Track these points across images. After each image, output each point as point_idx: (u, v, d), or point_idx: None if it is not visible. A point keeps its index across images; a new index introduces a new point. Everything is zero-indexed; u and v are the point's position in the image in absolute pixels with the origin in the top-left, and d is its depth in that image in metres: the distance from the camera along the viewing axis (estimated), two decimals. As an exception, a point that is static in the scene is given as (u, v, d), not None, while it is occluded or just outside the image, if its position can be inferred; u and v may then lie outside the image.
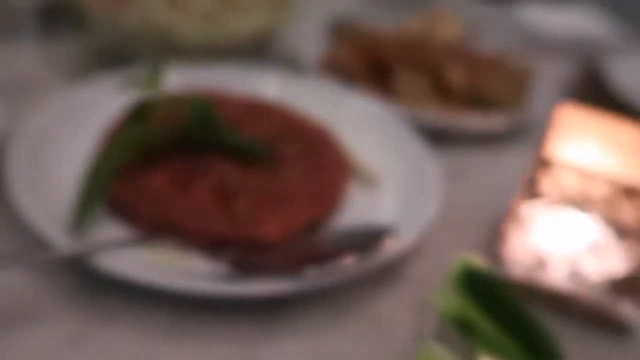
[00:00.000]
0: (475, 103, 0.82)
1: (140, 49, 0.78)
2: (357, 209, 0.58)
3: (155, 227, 0.50)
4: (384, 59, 0.83)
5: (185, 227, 0.49)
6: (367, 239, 0.47)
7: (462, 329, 0.39)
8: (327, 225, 0.55)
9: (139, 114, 0.55)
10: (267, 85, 0.75)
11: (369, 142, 0.67)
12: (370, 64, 0.84)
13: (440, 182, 0.58)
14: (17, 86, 0.75)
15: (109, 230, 0.51)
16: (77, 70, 0.80)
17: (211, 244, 0.49)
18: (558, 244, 0.50)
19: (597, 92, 0.91)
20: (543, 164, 0.48)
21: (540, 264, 0.51)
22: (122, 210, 0.52)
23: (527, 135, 0.83)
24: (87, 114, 0.63)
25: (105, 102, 0.64)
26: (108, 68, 0.82)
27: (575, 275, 0.50)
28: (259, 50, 0.85)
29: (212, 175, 0.54)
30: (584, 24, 1.11)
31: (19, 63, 0.80)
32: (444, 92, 0.81)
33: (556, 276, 0.51)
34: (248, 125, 0.64)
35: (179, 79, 0.72)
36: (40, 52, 0.84)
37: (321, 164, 0.59)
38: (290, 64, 0.90)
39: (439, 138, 0.78)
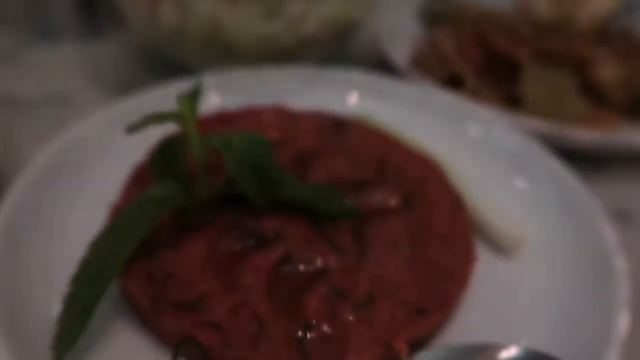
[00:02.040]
0: (637, 110, 0.58)
1: (186, 52, 0.61)
2: (486, 303, 0.38)
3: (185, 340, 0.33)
4: (504, 52, 0.61)
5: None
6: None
7: None
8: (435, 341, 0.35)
9: (163, 164, 0.37)
10: (345, 97, 0.56)
11: (499, 183, 0.46)
12: (483, 59, 0.62)
13: (622, 258, 0.36)
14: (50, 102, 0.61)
15: (117, 337, 0.34)
16: (119, 82, 0.65)
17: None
18: None
19: None
20: None
21: None
22: (139, 310, 0.35)
23: None
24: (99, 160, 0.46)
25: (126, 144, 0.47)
26: (150, 77, 0.66)
27: None
28: (332, 48, 0.65)
29: (271, 254, 0.36)
30: None
31: (56, 73, 0.66)
32: (591, 96, 0.58)
33: None
34: (321, 161, 0.44)
35: (225, 93, 0.54)
36: (80, 55, 0.70)
37: (433, 229, 0.39)
38: (375, 65, 0.70)
39: (585, 162, 0.55)
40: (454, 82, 0.62)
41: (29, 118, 0.59)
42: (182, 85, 0.51)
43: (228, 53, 0.59)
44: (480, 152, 0.49)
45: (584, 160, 0.53)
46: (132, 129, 0.35)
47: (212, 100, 0.53)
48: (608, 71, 0.58)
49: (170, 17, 0.57)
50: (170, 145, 0.39)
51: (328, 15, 0.59)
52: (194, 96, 0.38)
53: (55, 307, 0.32)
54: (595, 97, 0.58)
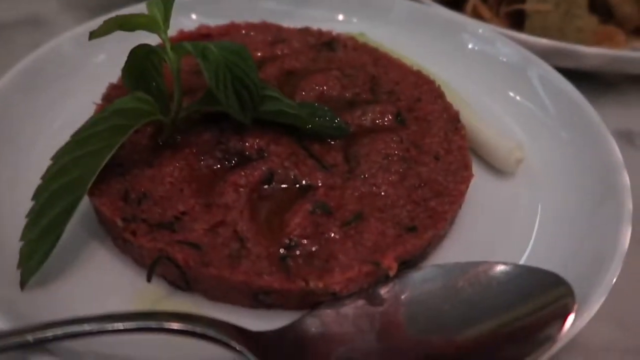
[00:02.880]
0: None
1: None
2: (483, 222, 0.36)
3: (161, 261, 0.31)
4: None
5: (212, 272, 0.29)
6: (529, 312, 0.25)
7: None
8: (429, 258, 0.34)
9: (137, 76, 0.34)
10: (337, 14, 0.52)
11: (498, 100, 0.43)
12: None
13: (626, 181, 0.34)
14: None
15: (92, 260, 0.32)
16: (96, 6, 0.60)
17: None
18: None
19: None
20: None
21: None
22: (113, 231, 0.33)
23: None
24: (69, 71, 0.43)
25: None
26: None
27: None
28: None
29: (253, 173, 0.33)
30: None
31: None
32: (599, 12, 0.54)
33: None
34: (310, 79, 0.41)
35: (207, 14, 0.50)
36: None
37: (427, 148, 0.36)
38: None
39: (588, 83, 0.51)
40: (454, 0, 0.58)
41: (4, 42, 0.55)
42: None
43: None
44: (478, 67, 0.46)
45: (586, 82, 0.50)
46: (95, 34, 0.32)
47: (194, 17, 0.50)
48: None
49: None
50: (144, 55, 0.35)
51: None
52: (166, 5, 0.35)
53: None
54: (605, 13, 0.54)
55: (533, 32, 0.51)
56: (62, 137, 0.32)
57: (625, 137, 0.47)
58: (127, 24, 0.32)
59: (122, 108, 0.32)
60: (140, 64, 0.35)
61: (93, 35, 0.31)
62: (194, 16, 0.50)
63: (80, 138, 0.31)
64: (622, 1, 0.54)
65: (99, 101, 0.39)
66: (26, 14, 0.59)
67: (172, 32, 0.35)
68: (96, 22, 0.44)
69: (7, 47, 0.55)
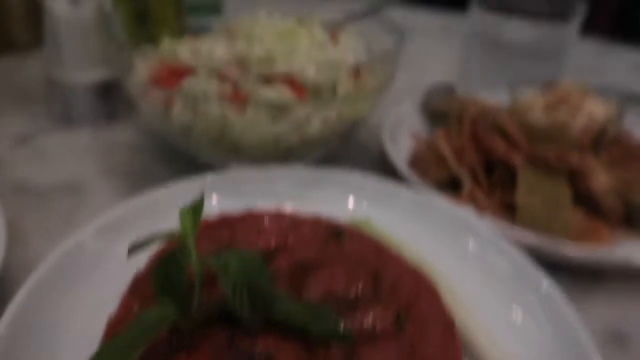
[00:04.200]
0: (633, 221, 0.59)
1: (195, 147, 0.64)
2: None
3: None
4: (500, 157, 0.63)
5: None
6: None
7: None
8: None
9: (163, 280, 0.39)
10: (345, 200, 0.58)
11: (492, 305, 0.47)
12: (480, 162, 0.64)
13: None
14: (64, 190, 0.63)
15: None
16: (130, 172, 0.67)
17: None
18: None
19: None
20: None
21: None
22: None
23: None
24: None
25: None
26: (160, 166, 0.68)
27: None
28: (335, 144, 0.68)
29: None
30: None
31: (69, 160, 0.69)
32: (586, 205, 0.59)
33: None
34: (318, 273, 0.45)
35: (228, 194, 0.56)
36: (95, 141, 0.73)
37: (425, 356, 0.39)
38: (376, 159, 0.72)
39: (580, 275, 0.55)
40: (452, 182, 0.64)
41: (38, 207, 0.60)
42: (183, 189, 0.54)
43: (235, 150, 0.62)
44: (475, 269, 0.49)
45: (579, 274, 0.54)
46: (133, 250, 0.36)
47: (215, 202, 0.55)
48: (602, 182, 0.59)
49: (181, 117, 0.59)
50: (171, 260, 0.40)
51: (331, 117, 0.62)
52: (195, 212, 0.40)
53: None
54: (590, 206, 0.59)
55: (524, 223, 0.56)
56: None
57: (614, 339, 0.48)
58: (163, 238, 0.37)
59: (148, 317, 0.36)
60: (167, 268, 0.40)
61: (132, 250, 0.36)
62: (214, 198, 0.56)
63: (108, 345, 0.35)
64: (605, 194, 0.59)
65: (123, 292, 0.43)
66: (64, 179, 0.66)
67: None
68: (115, 214, 0.49)
69: (44, 212, 0.60)
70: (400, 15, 0.73)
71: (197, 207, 0.41)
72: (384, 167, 0.66)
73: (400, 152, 0.68)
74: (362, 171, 0.59)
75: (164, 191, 0.54)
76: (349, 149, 0.75)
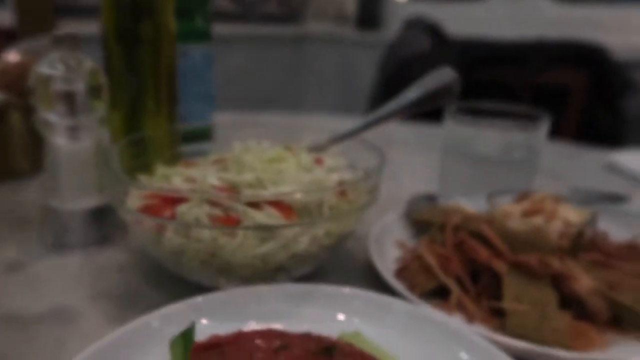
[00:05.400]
0: (620, 319, 0.60)
1: (186, 269, 0.65)
2: None
3: None
4: (484, 265, 0.64)
5: None
6: None
7: None
8: None
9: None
10: (335, 316, 0.58)
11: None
12: (466, 270, 0.66)
13: None
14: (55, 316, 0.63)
15: None
16: (122, 295, 0.67)
17: None
18: None
19: None
20: None
21: None
22: None
23: None
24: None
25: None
26: (152, 289, 0.69)
27: None
28: (323, 258, 0.70)
29: None
30: None
31: (60, 286, 0.69)
32: (573, 307, 0.60)
33: None
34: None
35: (217, 316, 0.56)
36: (86, 266, 0.73)
37: None
38: (364, 267, 0.73)
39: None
40: (441, 290, 0.65)
41: (27, 338, 0.60)
42: (174, 312, 0.54)
43: (224, 270, 0.63)
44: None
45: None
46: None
47: (205, 323, 0.55)
48: (585, 284, 0.60)
49: (173, 241, 0.61)
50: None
51: (319, 234, 0.64)
52: (186, 341, 0.41)
53: None
54: (577, 309, 0.60)
55: (513, 330, 0.57)
56: None
57: None
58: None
59: None
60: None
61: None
62: (204, 321, 0.56)
63: None
64: (590, 296, 0.60)
65: None
66: (54, 307, 0.65)
67: None
68: (103, 343, 0.49)
69: (31, 344, 0.59)
70: (380, 129, 0.78)
71: (187, 337, 0.42)
72: (372, 277, 0.68)
73: (387, 262, 0.70)
74: (351, 282, 0.60)
75: (154, 315, 0.54)
76: (337, 260, 0.76)
